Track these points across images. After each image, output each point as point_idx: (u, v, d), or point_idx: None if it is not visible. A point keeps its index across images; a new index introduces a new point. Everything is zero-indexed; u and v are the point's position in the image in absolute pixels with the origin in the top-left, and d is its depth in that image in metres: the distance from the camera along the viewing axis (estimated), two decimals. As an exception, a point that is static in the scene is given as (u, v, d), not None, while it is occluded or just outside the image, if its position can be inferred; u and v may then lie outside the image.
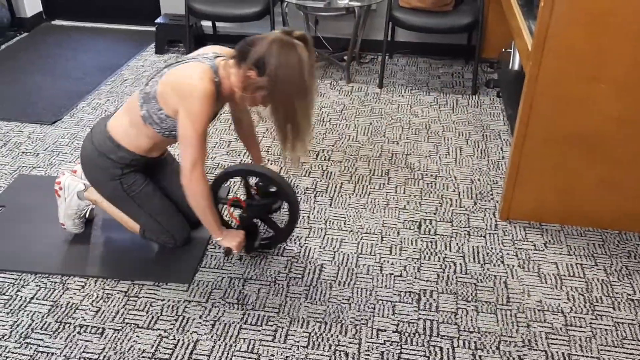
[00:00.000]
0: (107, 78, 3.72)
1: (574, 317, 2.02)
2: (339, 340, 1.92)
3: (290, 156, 2.01)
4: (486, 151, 2.97)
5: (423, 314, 2.03)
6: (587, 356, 1.88)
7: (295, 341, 1.92)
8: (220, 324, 1.98)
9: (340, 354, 1.88)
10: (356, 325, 1.98)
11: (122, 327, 1.96)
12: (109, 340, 1.92)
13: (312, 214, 2.51)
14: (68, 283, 2.14)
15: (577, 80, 2.14)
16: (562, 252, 2.31)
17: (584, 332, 1.97)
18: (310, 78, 1.88)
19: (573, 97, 2.18)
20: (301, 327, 1.97)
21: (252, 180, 2.22)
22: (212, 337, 1.93)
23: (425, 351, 1.89)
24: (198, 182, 1.97)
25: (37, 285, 2.13)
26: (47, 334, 1.94)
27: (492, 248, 2.33)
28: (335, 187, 2.69)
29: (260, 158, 2.47)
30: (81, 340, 1.92)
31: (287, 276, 2.18)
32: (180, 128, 1.93)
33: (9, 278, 2.16)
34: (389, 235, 2.39)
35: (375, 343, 1.92)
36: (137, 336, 1.93)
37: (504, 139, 3.08)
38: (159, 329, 1.96)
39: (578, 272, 2.21)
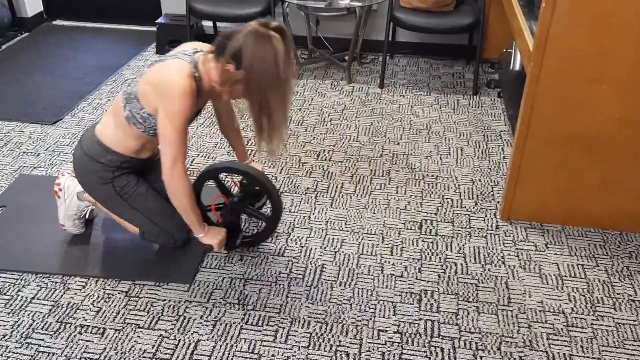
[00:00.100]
0: (108, 78, 3.72)
1: (575, 317, 2.02)
2: (340, 341, 1.92)
3: (266, 148, 2.01)
4: (487, 152, 2.97)
5: (424, 315, 2.02)
6: (588, 357, 1.88)
7: (296, 341, 1.92)
8: (221, 324, 1.98)
9: (341, 355, 1.88)
10: (357, 325, 1.98)
11: (123, 327, 1.96)
12: (110, 341, 1.92)
13: (313, 214, 2.51)
14: (69, 283, 2.14)
15: (579, 81, 2.14)
16: (563, 253, 2.31)
17: (585, 332, 1.97)
18: (286, 70, 1.87)
19: (574, 98, 2.18)
20: (302, 328, 1.97)
21: (237, 178, 2.23)
22: (213, 337, 1.93)
23: (426, 352, 1.89)
24: (179, 179, 1.98)
25: (38, 286, 2.13)
26: (48, 334, 1.94)
27: (493, 249, 2.33)
28: (336, 187, 2.69)
29: (245, 155, 2.48)
30: (82, 340, 1.92)
31: (288, 276, 2.18)
32: (160, 126, 1.93)
33: (10, 278, 2.16)
34: (390, 235, 2.39)
35: (376, 343, 1.92)
36: (138, 336, 1.93)
37: (505, 140, 3.08)
38: (159, 329, 1.96)
39: (579, 273, 2.21)
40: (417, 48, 4.07)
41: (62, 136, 3.07)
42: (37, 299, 2.07)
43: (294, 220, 2.47)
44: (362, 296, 2.10)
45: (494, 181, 2.74)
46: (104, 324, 1.97)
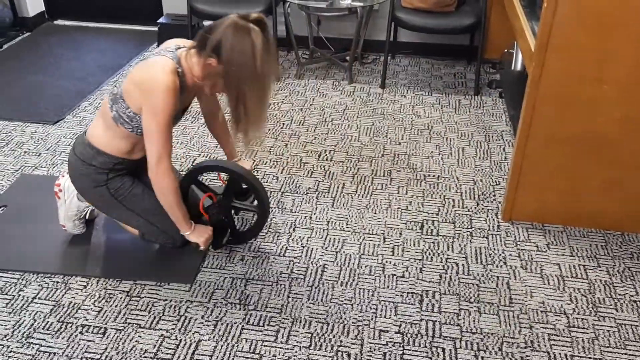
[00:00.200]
0: (110, 78, 3.72)
1: (576, 318, 2.02)
2: (341, 341, 1.92)
3: (242, 139, 2.02)
4: (488, 152, 2.97)
5: (425, 315, 2.02)
6: (590, 357, 1.88)
7: (297, 342, 1.92)
8: (222, 324, 1.98)
9: (342, 355, 1.88)
10: (358, 326, 1.98)
11: (124, 327, 1.96)
12: (111, 340, 1.92)
13: (314, 214, 2.51)
14: (70, 283, 2.14)
15: (580, 81, 2.14)
16: (565, 253, 2.30)
17: (587, 333, 1.96)
18: (264, 63, 1.88)
19: (576, 98, 2.17)
20: (303, 328, 1.97)
21: (224, 176, 2.23)
22: (214, 337, 1.93)
23: (427, 352, 1.89)
24: (164, 176, 1.99)
25: (39, 285, 2.13)
26: (49, 334, 1.94)
27: (494, 249, 2.32)
28: (338, 187, 2.69)
29: (233, 154, 2.48)
30: (83, 340, 1.92)
31: (289, 277, 2.18)
32: (144, 123, 1.94)
33: (11, 278, 2.16)
34: (391, 235, 2.39)
35: (378, 344, 1.91)
36: (139, 336, 1.93)
37: (506, 140, 3.07)
38: (161, 329, 1.96)
39: (581, 274, 2.21)
40: (419, 48, 4.07)
41: (64, 136, 3.07)
42: (39, 298, 2.07)
43: (295, 221, 2.46)
44: (363, 296, 2.09)
45: (496, 181, 2.73)
46: (105, 324, 1.97)
